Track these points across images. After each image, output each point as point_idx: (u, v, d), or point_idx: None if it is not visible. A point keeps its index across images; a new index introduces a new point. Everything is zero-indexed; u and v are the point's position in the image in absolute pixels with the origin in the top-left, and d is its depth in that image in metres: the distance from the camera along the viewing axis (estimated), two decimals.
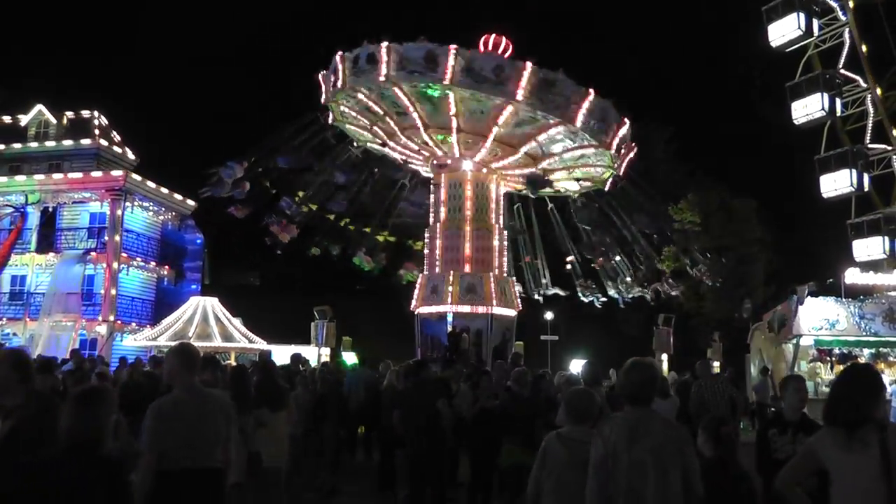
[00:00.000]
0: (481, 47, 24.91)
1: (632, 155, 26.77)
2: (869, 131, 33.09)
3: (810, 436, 4.82)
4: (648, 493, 4.50)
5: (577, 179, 27.58)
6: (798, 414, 6.42)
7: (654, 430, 4.68)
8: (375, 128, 26.53)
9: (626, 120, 25.23)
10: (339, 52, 24.35)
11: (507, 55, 24.70)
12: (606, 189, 28.16)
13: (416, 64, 22.46)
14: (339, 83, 24.33)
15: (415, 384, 10.30)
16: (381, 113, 25.25)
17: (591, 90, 23.42)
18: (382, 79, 22.94)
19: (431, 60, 22.29)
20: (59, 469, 3.82)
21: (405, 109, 24.48)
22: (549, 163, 26.64)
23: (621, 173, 26.70)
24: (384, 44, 22.76)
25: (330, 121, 27.08)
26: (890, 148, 32.97)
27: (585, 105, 23.34)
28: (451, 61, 22.19)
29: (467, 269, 26.10)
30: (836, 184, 32.92)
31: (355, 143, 28.76)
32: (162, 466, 4.99)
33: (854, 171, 32.34)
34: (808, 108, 33.06)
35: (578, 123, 23.46)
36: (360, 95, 24.75)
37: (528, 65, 22.63)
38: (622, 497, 4.53)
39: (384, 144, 27.37)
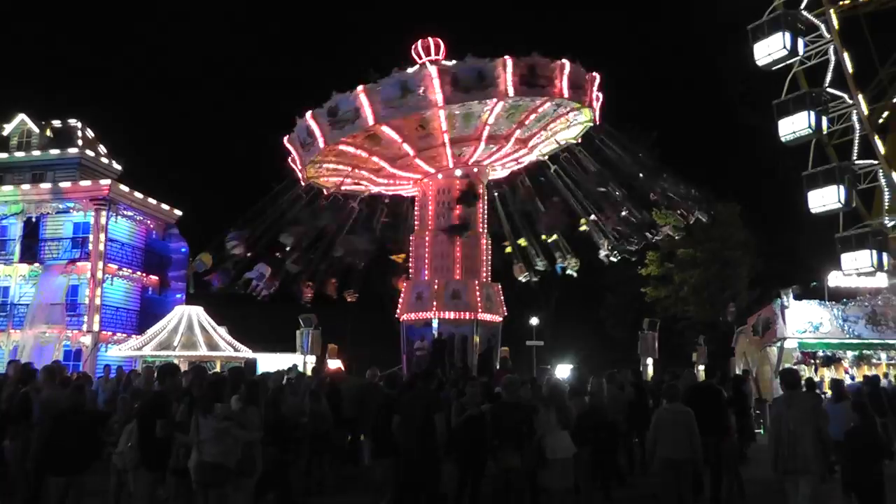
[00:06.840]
0: (414, 55, 24.97)
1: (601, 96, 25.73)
2: (856, 146, 33.15)
3: None
4: (800, 433, 8.48)
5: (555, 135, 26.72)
6: None
7: (800, 400, 8.92)
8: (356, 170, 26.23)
9: (595, 74, 24.49)
10: (310, 112, 23.95)
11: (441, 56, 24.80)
12: (597, 123, 26.20)
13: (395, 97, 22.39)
14: (319, 143, 24.06)
15: (413, 394, 10.26)
16: (366, 155, 25.14)
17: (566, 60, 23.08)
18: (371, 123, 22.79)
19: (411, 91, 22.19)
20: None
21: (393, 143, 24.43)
22: (536, 140, 26.22)
23: (597, 117, 25.62)
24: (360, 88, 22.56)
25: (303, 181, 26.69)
26: (876, 162, 33.07)
27: (566, 75, 23.02)
28: (436, 82, 21.99)
29: (453, 275, 26.02)
30: (823, 199, 32.85)
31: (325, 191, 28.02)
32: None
33: (842, 188, 32.28)
34: (795, 126, 33.07)
35: (566, 94, 23.16)
36: (342, 147, 24.67)
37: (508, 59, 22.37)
38: (788, 436, 8.55)
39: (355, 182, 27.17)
